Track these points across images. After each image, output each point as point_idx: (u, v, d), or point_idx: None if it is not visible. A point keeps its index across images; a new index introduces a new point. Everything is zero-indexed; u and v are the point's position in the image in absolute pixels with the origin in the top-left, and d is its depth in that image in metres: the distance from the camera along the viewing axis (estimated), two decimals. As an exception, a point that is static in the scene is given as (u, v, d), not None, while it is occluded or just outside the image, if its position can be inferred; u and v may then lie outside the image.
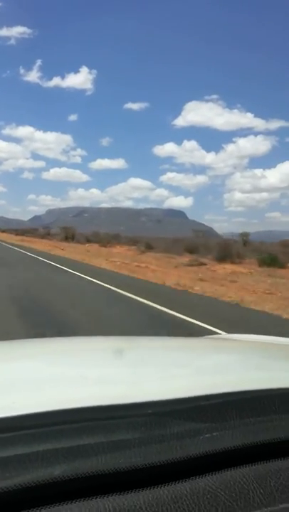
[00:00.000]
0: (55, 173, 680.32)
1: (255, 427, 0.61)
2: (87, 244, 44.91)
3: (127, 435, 0.54)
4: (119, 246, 40.56)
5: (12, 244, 35.49)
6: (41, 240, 55.18)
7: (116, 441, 0.53)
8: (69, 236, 58.07)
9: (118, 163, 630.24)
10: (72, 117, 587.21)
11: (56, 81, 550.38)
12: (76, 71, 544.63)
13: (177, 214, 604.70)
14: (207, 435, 0.57)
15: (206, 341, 1.58)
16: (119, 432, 0.54)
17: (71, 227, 69.55)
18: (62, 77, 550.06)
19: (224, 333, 4.74)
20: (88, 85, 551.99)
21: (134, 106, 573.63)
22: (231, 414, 0.61)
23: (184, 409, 0.59)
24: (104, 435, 0.53)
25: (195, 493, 0.50)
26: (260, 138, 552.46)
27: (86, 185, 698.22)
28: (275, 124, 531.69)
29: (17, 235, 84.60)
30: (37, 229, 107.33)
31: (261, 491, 0.53)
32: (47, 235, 70.75)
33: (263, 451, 0.59)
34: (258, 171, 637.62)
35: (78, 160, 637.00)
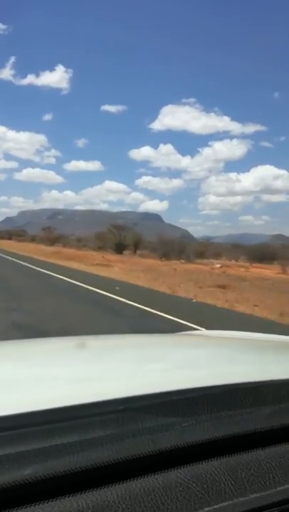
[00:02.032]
0: (27, 173, 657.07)
1: (226, 420, 0.63)
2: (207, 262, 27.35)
3: (99, 432, 0.55)
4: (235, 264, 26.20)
5: (75, 277, 14.05)
6: (55, 248, 37.55)
7: (89, 439, 0.54)
8: (127, 244, 34.20)
9: (94, 166, 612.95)
10: (47, 117, 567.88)
11: (30, 79, 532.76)
12: (52, 69, 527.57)
13: (153, 217, 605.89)
14: (178, 429, 0.59)
15: (179, 337, 1.62)
16: (92, 429, 0.55)
17: (132, 229, 41.83)
18: (37, 75, 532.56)
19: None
20: (64, 84, 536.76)
21: (112, 108, 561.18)
22: (203, 408, 0.62)
23: (155, 404, 0.61)
24: (77, 434, 0.53)
25: (167, 486, 0.52)
26: (235, 142, 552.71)
27: (60, 187, 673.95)
28: (251, 128, 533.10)
29: (1, 238, 67.47)
30: (25, 230, 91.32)
31: (232, 482, 0.55)
32: (56, 239, 53.06)
33: (234, 443, 0.61)
34: (233, 175, 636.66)
35: (52, 161, 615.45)
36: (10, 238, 69.18)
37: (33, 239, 64.76)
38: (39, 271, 17.22)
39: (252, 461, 0.59)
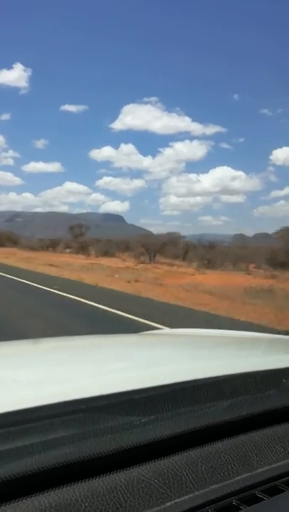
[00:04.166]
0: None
1: (187, 415, 0.67)
2: None
3: (62, 433, 0.56)
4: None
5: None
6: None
7: (51, 439, 0.55)
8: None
9: (53, 167, 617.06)
10: (5, 116, 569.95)
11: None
12: (9, 67, 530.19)
13: (115, 218, 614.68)
14: (140, 426, 0.62)
15: (141, 337, 1.67)
16: (54, 430, 0.56)
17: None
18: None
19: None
20: (23, 83, 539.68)
21: (72, 108, 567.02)
22: (164, 405, 0.65)
23: (117, 403, 0.63)
24: (39, 435, 0.55)
25: (129, 483, 0.53)
26: (196, 142, 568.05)
27: (18, 189, 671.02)
28: (211, 129, 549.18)
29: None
30: (15, 233, 64.97)
31: (193, 475, 0.57)
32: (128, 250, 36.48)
33: (195, 437, 0.64)
34: (193, 176, 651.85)
35: (10, 162, 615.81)
36: (1, 245, 48.40)
37: (54, 244, 45.14)
38: None
39: (211, 454, 0.62)
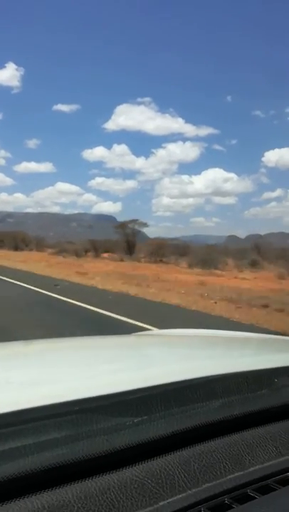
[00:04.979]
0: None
1: (179, 415, 0.67)
2: None
3: (55, 434, 0.57)
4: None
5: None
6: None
7: (43, 441, 0.55)
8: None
9: (45, 167, 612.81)
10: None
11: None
12: (1, 66, 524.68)
13: (108, 219, 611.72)
14: (133, 427, 0.62)
15: (133, 338, 1.68)
16: (47, 431, 0.56)
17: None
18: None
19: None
20: (15, 82, 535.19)
21: (64, 108, 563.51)
22: (156, 405, 0.65)
23: (109, 404, 0.64)
24: (32, 437, 0.55)
25: (122, 484, 0.54)
26: (189, 144, 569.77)
27: (10, 190, 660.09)
28: (204, 131, 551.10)
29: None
30: (20, 232, 61.56)
31: (185, 474, 0.58)
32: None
33: (187, 437, 0.64)
34: (186, 177, 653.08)
35: (2, 162, 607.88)
36: (17, 248, 43.88)
37: (96, 248, 37.37)
38: None
39: (204, 453, 0.62)
